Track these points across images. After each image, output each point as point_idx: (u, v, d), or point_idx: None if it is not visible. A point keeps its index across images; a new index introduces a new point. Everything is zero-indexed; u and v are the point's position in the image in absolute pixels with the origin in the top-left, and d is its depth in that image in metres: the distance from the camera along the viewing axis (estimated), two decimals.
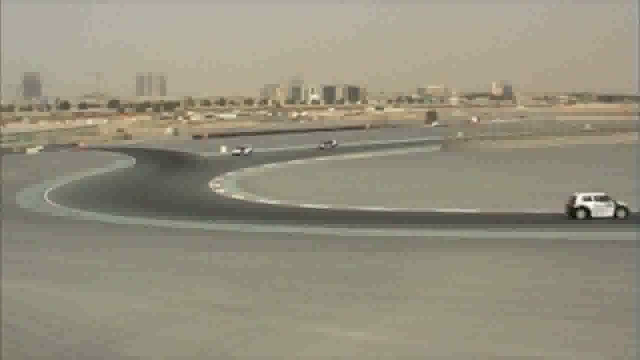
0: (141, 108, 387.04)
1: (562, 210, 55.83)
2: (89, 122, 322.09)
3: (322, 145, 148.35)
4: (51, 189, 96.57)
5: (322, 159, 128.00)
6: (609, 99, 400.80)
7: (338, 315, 22.68)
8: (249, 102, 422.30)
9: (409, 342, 19.24)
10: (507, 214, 58.58)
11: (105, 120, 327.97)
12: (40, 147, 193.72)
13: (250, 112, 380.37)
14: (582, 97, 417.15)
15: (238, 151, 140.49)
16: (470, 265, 33.87)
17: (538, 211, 58.86)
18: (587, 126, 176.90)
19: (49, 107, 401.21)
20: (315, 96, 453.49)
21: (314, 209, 68.28)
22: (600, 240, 45.13)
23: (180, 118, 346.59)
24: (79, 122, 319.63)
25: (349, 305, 24.36)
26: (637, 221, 50.33)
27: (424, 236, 48.16)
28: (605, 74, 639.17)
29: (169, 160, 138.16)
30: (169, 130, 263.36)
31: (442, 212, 61.75)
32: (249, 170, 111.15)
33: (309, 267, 34.38)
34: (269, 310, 23.68)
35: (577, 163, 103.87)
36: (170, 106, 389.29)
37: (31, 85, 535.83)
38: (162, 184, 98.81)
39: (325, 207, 69.17)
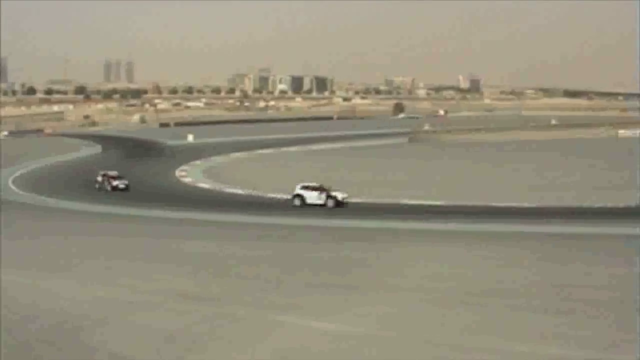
0: (108, 95, 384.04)
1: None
2: (55, 108, 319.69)
3: None
4: (17, 174, 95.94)
5: (292, 149, 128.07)
6: (574, 94, 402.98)
7: (305, 304, 22.64)
8: (217, 90, 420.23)
9: (378, 332, 19.23)
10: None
11: (71, 107, 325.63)
12: (5, 133, 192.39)
13: (218, 101, 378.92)
14: (548, 92, 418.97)
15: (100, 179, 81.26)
16: (438, 256, 33.94)
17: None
18: (553, 121, 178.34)
19: (14, 93, 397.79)
20: (283, 86, 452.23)
21: (284, 198, 68.33)
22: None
23: (147, 106, 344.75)
24: (45, 108, 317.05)
25: (316, 294, 24.34)
26: None
27: (392, 228, 48.22)
28: (572, 70, 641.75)
29: (135, 149, 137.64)
30: (136, 117, 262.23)
31: (407, 204, 62.02)
32: (217, 159, 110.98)
33: (275, 257, 34.30)
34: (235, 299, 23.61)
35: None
36: (137, 94, 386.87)
37: None
38: (128, 173, 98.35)
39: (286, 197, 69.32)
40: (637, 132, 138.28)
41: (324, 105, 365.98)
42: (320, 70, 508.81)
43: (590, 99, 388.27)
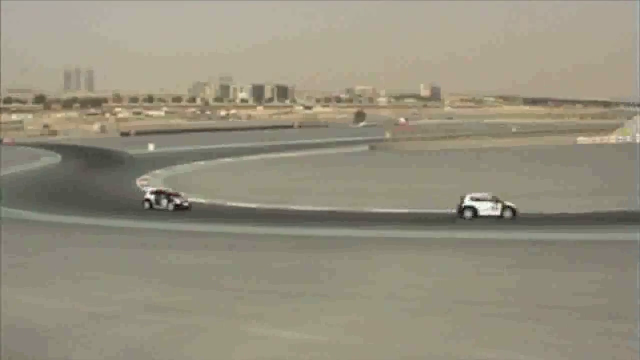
0: (68, 104, 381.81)
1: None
2: (14, 117, 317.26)
3: None
4: None
5: (252, 157, 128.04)
6: (533, 102, 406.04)
7: (268, 314, 22.60)
8: (177, 99, 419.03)
9: (344, 341, 19.23)
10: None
11: (30, 116, 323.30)
12: None
13: (179, 110, 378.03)
14: (508, 99, 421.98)
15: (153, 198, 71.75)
16: (398, 263, 34.04)
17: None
18: (514, 129, 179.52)
19: None
20: (244, 95, 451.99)
21: (242, 207, 68.24)
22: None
23: (107, 114, 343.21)
24: (4, 117, 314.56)
25: (280, 304, 24.32)
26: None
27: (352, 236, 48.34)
28: (532, 77, 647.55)
29: (95, 158, 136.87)
30: (96, 127, 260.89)
31: (370, 212, 62.26)
32: (178, 168, 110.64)
33: (238, 266, 34.24)
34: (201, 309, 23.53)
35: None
36: (97, 102, 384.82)
37: None
38: (89, 181, 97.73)
39: (254, 206, 69.18)
40: (598, 138, 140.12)
41: (286, 113, 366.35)
42: (282, 78, 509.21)
43: (553, 105, 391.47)
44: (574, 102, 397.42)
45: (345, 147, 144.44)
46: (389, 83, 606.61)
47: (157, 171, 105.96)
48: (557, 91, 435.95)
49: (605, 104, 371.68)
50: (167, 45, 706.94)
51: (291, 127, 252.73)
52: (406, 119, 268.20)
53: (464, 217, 56.42)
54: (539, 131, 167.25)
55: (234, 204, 71.04)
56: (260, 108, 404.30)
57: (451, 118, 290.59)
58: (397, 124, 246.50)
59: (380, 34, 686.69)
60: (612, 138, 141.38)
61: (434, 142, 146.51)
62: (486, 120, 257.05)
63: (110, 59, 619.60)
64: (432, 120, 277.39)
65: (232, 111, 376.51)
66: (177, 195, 70.01)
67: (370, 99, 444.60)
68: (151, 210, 67.77)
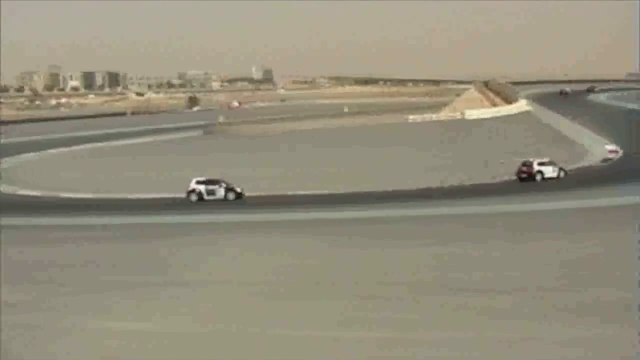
0: None
1: None
2: None
3: None
4: None
5: (82, 147, 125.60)
6: (365, 82, 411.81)
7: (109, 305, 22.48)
8: (5, 89, 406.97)
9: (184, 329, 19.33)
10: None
11: None
12: None
13: (6, 100, 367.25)
14: (340, 80, 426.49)
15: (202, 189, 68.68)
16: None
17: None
18: (346, 109, 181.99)
19: None
20: (74, 83, 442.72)
21: (75, 198, 67.36)
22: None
23: None
24: None
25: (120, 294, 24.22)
26: None
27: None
28: (362, 57, 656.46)
29: None
30: None
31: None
32: (6, 160, 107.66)
33: (74, 259, 33.83)
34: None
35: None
36: None
37: None
38: None
39: (84, 196, 68.51)
40: (428, 116, 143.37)
41: (118, 100, 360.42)
42: (113, 65, 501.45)
43: (384, 85, 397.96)
44: (405, 81, 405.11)
45: (179, 133, 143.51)
46: (222, 67, 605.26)
47: None
48: (389, 71, 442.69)
49: (435, 82, 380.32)
50: None
51: (124, 114, 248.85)
52: (239, 103, 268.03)
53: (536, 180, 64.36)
54: (372, 111, 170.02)
55: (67, 195, 70.01)
56: (91, 96, 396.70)
57: (284, 100, 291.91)
58: (230, 107, 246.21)
59: (210, 18, 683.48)
60: (442, 115, 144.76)
61: (267, 125, 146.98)
62: (319, 101, 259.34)
63: None
64: (265, 103, 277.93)
65: (63, 100, 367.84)
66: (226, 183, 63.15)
67: (203, 84, 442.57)
68: (201, 202, 61.52)
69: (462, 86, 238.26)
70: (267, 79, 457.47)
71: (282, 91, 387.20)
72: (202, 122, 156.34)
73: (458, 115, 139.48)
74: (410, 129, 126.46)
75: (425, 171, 71.51)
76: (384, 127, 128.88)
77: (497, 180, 66.00)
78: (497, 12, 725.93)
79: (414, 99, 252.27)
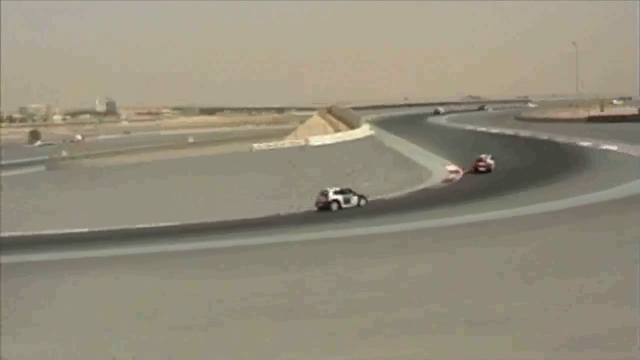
0: None
1: None
2: None
3: None
4: None
5: None
6: (211, 111, 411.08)
7: None
8: None
9: None
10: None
11: None
12: None
13: None
14: (185, 110, 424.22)
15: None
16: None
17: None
18: (191, 139, 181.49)
19: None
20: None
21: None
22: None
23: None
24: None
25: None
26: None
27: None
28: (206, 87, 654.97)
29: None
30: None
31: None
32: None
33: None
34: None
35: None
36: None
37: None
38: None
39: None
40: (273, 144, 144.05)
41: None
42: None
43: (229, 114, 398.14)
44: (250, 109, 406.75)
45: (19, 170, 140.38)
46: (64, 100, 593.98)
47: None
48: (232, 100, 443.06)
49: (279, 110, 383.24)
50: None
51: None
52: (82, 136, 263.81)
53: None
54: (217, 140, 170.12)
55: None
56: None
57: (128, 132, 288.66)
58: (73, 141, 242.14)
59: (51, 50, 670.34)
60: (286, 142, 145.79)
61: (111, 157, 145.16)
62: (163, 133, 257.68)
63: None
64: (109, 135, 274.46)
65: None
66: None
67: (45, 118, 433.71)
68: (340, 211, 64.49)
69: (305, 113, 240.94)
70: (111, 111, 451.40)
71: (125, 122, 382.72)
72: (44, 157, 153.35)
73: (302, 142, 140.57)
74: (253, 157, 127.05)
75: (265, 199, 72.39)
76: (228, 156, 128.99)
77: (302, 210, 67.14)
78: (334, 39, 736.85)
79: (259, 127, 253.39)
